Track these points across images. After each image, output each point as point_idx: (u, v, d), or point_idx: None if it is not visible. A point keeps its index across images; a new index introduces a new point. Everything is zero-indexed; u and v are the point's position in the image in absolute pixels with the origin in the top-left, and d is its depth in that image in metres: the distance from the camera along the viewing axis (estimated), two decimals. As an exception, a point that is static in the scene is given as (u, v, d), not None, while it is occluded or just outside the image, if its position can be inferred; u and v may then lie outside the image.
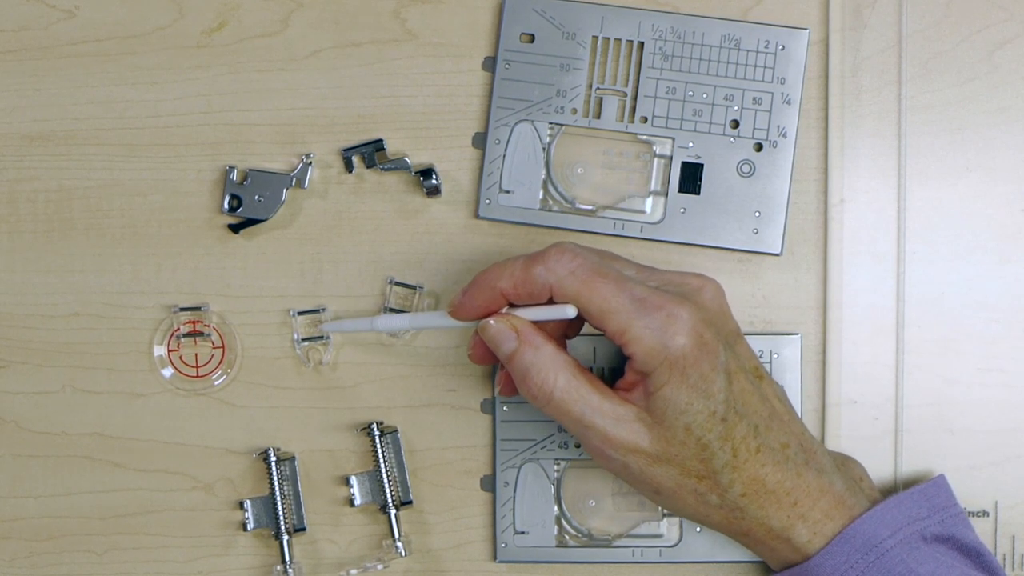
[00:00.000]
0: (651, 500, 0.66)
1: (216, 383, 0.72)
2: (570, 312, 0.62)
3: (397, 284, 0.71)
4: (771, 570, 0.70)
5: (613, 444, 0.62)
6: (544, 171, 0.71)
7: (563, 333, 0.66)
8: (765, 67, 0.70)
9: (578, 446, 0.71)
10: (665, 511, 0.71)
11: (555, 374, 0.62)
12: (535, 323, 0.63)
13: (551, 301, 0.63)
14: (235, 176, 0.71)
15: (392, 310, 0.71)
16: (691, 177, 0.70)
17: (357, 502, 0.71)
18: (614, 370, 0.70)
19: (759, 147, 0.70)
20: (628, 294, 0.61)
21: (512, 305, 0.64)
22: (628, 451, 0.62)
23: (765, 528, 0.64)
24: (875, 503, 0.65)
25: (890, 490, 0.70)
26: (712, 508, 0.64)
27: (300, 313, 0.72)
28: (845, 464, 0.67)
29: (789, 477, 0.63)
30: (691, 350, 0.61)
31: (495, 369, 0.71)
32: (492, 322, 0.63)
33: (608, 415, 0.62)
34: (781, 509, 0.63)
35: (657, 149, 0.71)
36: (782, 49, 0.70)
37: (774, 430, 0.64)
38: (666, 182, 0.71)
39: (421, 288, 0.71)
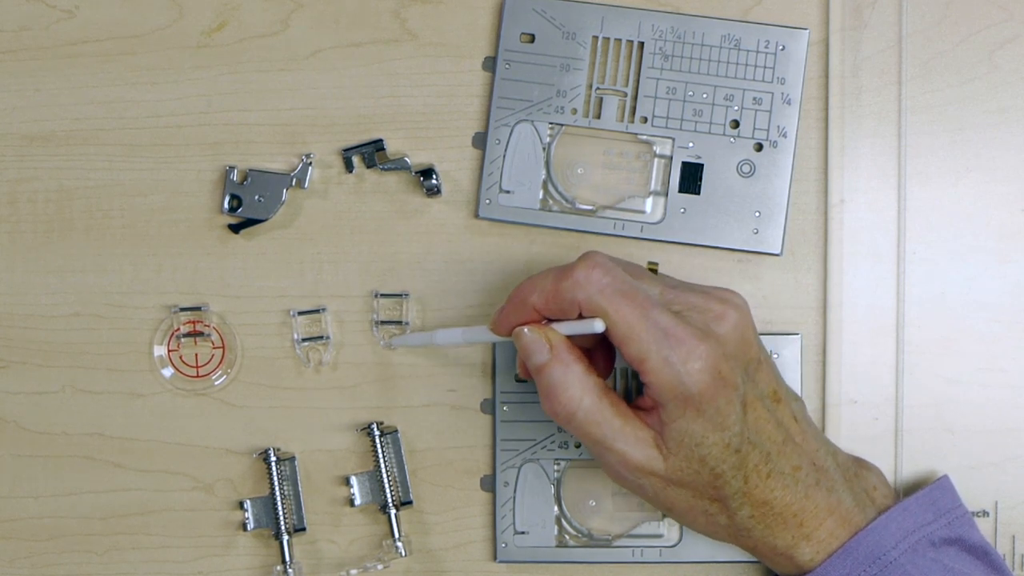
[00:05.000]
0: (664, 514, 0.67)
1: (216, 383, 0.72)
2: (598, 327, 0.61)
3: (383, 296, 0.71)
4: (772, 572, 0.70)
5: (630, 467, 0.63)
6: (544, 171, 0.71)
7: (594, 345, 0.65)
8: (765, 67, 0.70)
9: (578, 445, 0.71)
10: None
11: (581, 395, 0.62)
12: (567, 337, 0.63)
13: (581, 316, 0.62)
14: (235, 176, 0.71)
15: (383, 323, 0.71)
16: (691, 177, 0.70)
17: (357, 502, 0.71)
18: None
19: (759, 147, 0.70)
20: (652, 322, 0.61)
21: (547, 319, 0.64)
22: (644, 474, 0.63)
23: (769, 547, 0.64)
24: (883, 512, 0.65)
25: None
26: (720, 527, 0.64)
27: (300, 313, 0.72)
28: (859, 474, 0.67)
29: (797, 499, 0.64)
30: (707, 387, 0.61)
31: (493, 368, 0.71)
32: (526, 331, 0.63)
33: (628, 439, 0.62)
34: (787, 530, 0.64)
35: (657, 149, 0.71)
36: (782, 49, 0.70)
37: (786, 454, 0.64)
38: (666, 182, 0.71)
39: (407, 295, 0.71)
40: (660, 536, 0.71)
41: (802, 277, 0.71)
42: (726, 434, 0.62)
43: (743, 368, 0.63)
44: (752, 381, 0.63)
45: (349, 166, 0.71)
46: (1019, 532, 0.70)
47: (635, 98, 0.71)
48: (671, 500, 0.64)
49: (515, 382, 0.71)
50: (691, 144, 0.70)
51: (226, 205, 0.71)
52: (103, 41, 0.72)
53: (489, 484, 0.71)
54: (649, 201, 0.71)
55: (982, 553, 0.65)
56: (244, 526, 0.71)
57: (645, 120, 0.70)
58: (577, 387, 0.62)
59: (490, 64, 0.71)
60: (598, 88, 0.71)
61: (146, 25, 0.72)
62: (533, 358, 0.63)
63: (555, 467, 0.71)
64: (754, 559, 0.70)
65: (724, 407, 0.61)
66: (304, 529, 0.72)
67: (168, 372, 0.72)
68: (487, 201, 0.71)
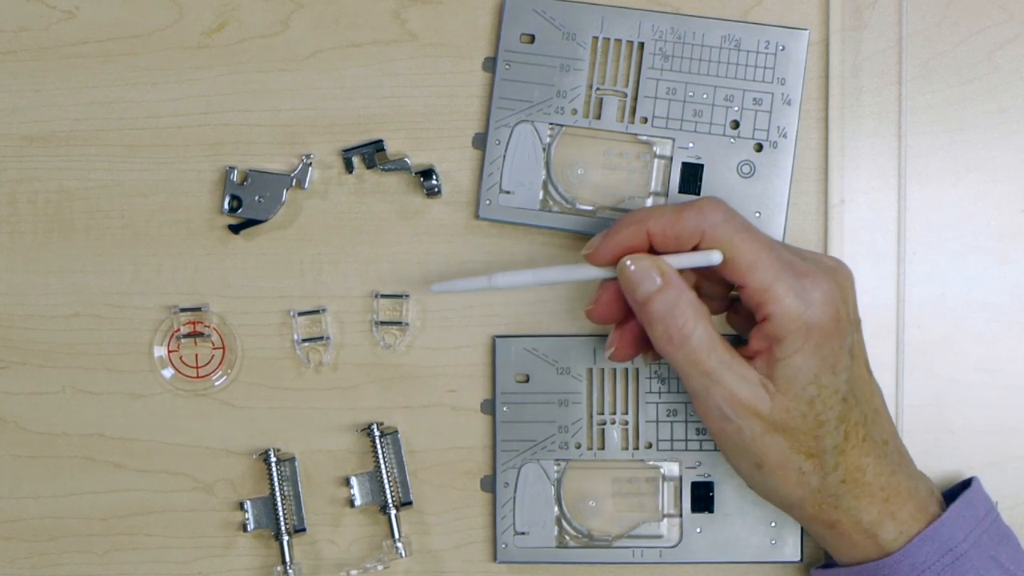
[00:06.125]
0: (748, 476, 0.65)
1: (216, 384, 0.72)
2: (716, 258, 0.61)
3: (383, 296, 0.71)
4: (784, 569, 0.70)
5: (734, 404, 0.62)
6: (544, 172, 0.71)
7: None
8: (765, 67, 0.70)
9: (579, 445, 0.71)
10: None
11: (695, 320, 0.62)
12: None
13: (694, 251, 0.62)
14: (235, 177, 0.71)
15: (383, 323, 0.71)
16: (691, 178, 0.70)
17: (357, 503, 0.71)
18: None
19: (759, 147, 0.70)
20: (776, 254, 0.61)
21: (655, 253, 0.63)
22: (748, 414, 0.62)
23: (854, 520, 0.64)
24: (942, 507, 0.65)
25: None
26: (809, 491, 0.63)
27: (300, 314, 0.72)
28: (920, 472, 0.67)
29: (885, 473, 0.64)
30: (829, 321, 0.61)
31: (493, 368, 0.71)
32: (630, 262, 0.63)
33: (736, 373, 0.62)
34: (873, 504, 0.63)
35: (657, 149, 0.71)
36: (782, 49, 0.70)
37: (879, 424, 0.64)
38: (666, 183, 0.71)
39: (407, 296, 0.71)
40: (660, 537, 0.71)
41: (802, 277, 0.71)
42: (837, 379, 0.62)
43: (853, 319, 0.63)
44: (857, 337, 0.64)
45: (349, 167, 0.71)
46: (1019, 532, 0.70)
47: (635, 98, 0.71)
48: (767, 449, 0.62)
49: (515, 383, 0.71)
50: (691, 144, 0.70)
51: (226, 205, 0.71)
52: (103, 41, 0.72)
53: (489, 484, 0.71)
54: (649, 202, 0.71)
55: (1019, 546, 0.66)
56: (244, 527, 0.71)
57: (645, 120, 0.70)
58: (691, 312, 0.62)
59: (490, 64, 0.71)
60: (598, 88, 0.71)
61: (146, 25, 0.72)
62: (642, 287, 0.62)
63: (555, 467, 0.71)
64: (754, 560, 0.70)
65: (838, 350, 0.61)
66: (304, 530, 0.72)
67: (168, 373, 0.72)
68: (487, 202, 0.71)
